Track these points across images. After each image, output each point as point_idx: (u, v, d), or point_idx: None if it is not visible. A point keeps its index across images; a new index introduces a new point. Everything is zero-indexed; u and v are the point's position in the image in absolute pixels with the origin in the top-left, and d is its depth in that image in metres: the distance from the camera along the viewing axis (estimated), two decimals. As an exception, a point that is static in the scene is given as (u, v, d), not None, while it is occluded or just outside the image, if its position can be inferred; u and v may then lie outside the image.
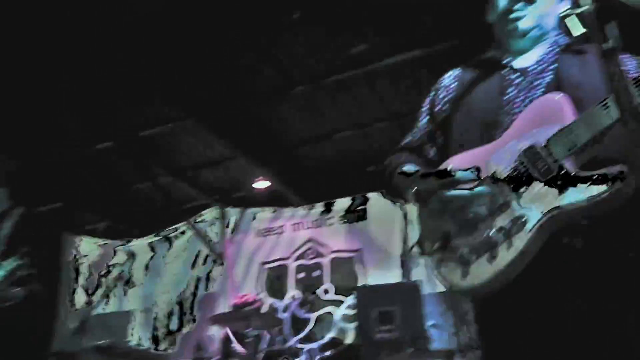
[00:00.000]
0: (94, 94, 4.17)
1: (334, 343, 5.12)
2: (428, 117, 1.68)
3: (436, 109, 1.65)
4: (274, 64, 4.07)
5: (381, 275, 5.22)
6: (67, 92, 4.10)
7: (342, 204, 5.73)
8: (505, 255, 1.25)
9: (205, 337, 5.59)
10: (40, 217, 2.58)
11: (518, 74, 1.48)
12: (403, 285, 4.80)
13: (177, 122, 4.65)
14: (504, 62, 1.53)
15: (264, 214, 6.10)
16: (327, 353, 4.93)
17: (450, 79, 1.67)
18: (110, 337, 5.22)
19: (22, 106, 4.15)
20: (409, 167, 1.56)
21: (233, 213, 6.23)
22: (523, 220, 1.24)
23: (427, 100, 1.71)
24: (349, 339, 5.10)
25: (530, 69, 1.47)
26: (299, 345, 5.25)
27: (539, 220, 1.22)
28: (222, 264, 6.02)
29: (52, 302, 2.51)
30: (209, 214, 6.27)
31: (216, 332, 5.33)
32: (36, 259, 2.20)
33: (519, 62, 1.51)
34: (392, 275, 5.15)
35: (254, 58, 3.99)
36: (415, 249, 4.59)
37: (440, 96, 1.65)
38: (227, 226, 6.20)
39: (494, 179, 1.32)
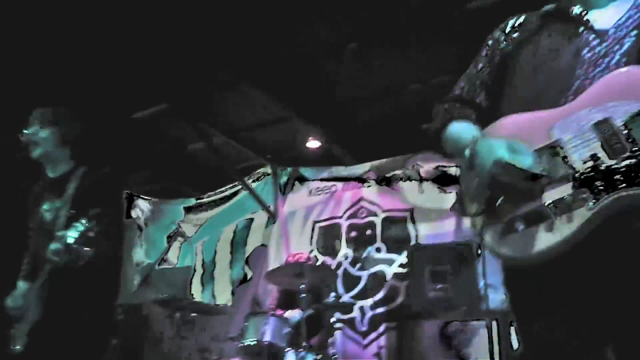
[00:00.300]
0: (150, 57, 4.24)
1: (386, 300, 5.19)
2: (484, 66, 1.58)
3: (495, 58, 1.55)
4: (325, 21, 4.00)
5: (434, 233, 5.19)
6: (126, 55, 4.20)
7: (394, 162, 5.66)
8: (564, 229, 1.18)
9: (261, 292, 5.78)
10: (103, 178, 2.68)
11: (594, 35, 1.34)
12: (456, 244, 4.75)
13: (230, 84, 4.68)
14: (579, 16, 1.39)
15: (317, 173, 6.14)
16: (379, 310, 5.00)
17: (512, 26, 1.55)
18: (172, 291, 5.51)
19: (81, 67, 4.28)
20: (463, 126, 1.48)
21: (286, 172, 6.31)
22: (584, 196, 1.17)
23: (485, 48, 1.61)
24: (401, 297, 5.14)
25: (610, 32, 1.33)
26: (351, 302, 5.35)
27: (604, 199, 1.15)
28: (275, 222, 6.15)
29: (117, 259, 2.66)
30: (262, 173, 6.37)
31: (272, 288, 5.50)
32: (104, 218, 2.30)
33: (596, 20, 1.37)
34: (446, 234, 5.12)
35: (305, 16, 3.92)
36: (456, 208, 4.50)
37: (501, 45, 1.55)
38: (280, 185, 6.29)
39: (554, 149, 1.24)
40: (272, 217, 6.16)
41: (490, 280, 4.64)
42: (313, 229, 5.95)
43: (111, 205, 2.56)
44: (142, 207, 6.82)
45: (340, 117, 5.40)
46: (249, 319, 4.02)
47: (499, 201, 1.30)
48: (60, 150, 2.65)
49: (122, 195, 2.85)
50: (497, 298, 4.54)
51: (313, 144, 5.73)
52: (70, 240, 2.17)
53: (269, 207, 6.19)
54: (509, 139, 1.29)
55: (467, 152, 1.36)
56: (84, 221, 2.21)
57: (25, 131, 2.60)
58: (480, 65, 1.60)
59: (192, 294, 6.11)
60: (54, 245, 2.28)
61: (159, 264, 6.65)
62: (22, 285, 2.60)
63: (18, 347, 2.41)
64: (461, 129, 1.47)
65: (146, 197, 6.83)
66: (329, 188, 6.00)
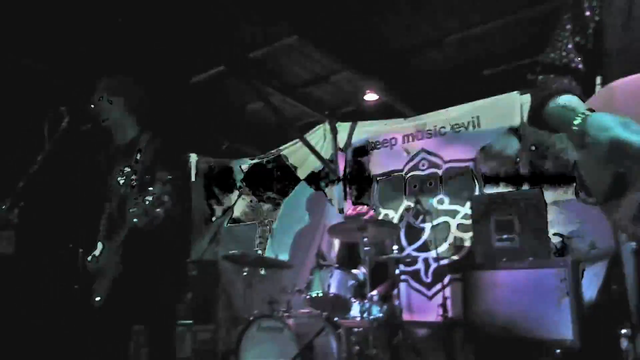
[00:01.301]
0: (204, 21, 4.29)
1: (450, 252, 5.16)
2: (574, 26, 1.45)
3: (584, 14, 1.43)
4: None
5: (499, 183, 5.05)
6: (180, 21, 4.26)
7: (454, 112, 5.50)
8: None
9: (325, 246, 5.91)
10: (169, 142, 2.80)
11: None
12: (524, 192, 4.61)
13: (283, 41, 4.66)
14: None
15: (375, 127, 6.07)
16: (443, 262, 4.99)
17: None
18: (240, 247, 5.73)
19: (139, 35, 4.40)
20: (565, 100, 1.38)
21: (344, 127, 6.28)
22: None
23: (571, 5, 1.47)
24: (465, 248, 5.10)
25: None
26: (415, 254, 5.37)
27: None
28: (334, 177, 6.19)
29: (188, 220, 2.81)
30: (321, 129, 6.38)
31: (334, 241, 5.60)
32: (174, 181, 2.41)
33: None
34: (511, 183, 4.97)
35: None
36: (581, 196, 4.30)
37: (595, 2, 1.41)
38: (339, 141, 6.28)
39: None
40: (333, 173, 6.20)
41: (560, 229, 4.52)
42: (374, 183, 5.95)
43: (179, 169, 2.71)
44: (205, 167, 7.06)
45: (398, 68, 5.27)
46: (314, 272, 4.13)
47: (624, 180, 1.21)
48: (127, 117, 2.79)
49: (188, 159, 2.95)
50: (568, 247, 4.43)
51: (371, 97, 5.66)
52: (147, 204, 2.30)
53: (329, 162, 6.22)
54: (620, 117, 1.18)
55: (575, 130, 1.27)
56: (158, 185, 2.34)
57: (94, 101, 2.74)
58: (569, 25, 1.47)
59: (259, 250, 6.33)
60: (132, 210, 2.39)
61: (227, 222, 6.92)
62: (101, 245, 2.78)
63: (98, 299, 2.62)
64: (564, 105, 1.37)
65: (210, 158, 7.04)
66: (389, 141, 5.94)
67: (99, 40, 4.40)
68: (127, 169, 2.68)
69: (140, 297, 2.56)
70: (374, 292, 4.01)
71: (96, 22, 4.18)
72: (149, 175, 2.54)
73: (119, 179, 2.71)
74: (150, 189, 2.34)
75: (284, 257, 5.96)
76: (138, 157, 2.66)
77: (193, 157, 6.76)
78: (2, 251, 4.32)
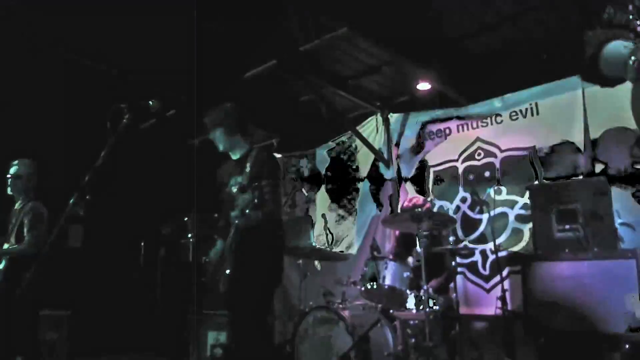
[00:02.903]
0: (256, 18, 4.36)
1: (509, 243, 5.01)
2: None
3: None
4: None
5: (560, 171, 4.85)
6: (232, 16, 4.34)
7: (511, 99, 5.32)
8: None
9: (379, 238, 5.88)
10: (266, 155, 3.33)
11: None
12: (588, 181, 4.40)
13: (333, 33, 4.65)
14: None
15: (429, 117, 5.96)
16: (501, 254, 4.84)
17: None
18: (296, 239, 5.80)
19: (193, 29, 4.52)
20: (620, 42, 1.38)
21: (397, 118, 6.21)
22: None
23: None
24: (524, 239, 4.93)
25: None
26: (471, 246, 5.24)
27: None
28: (389, 169, 6.13)
29: (279, 219, 3.37)
30: (373, 121, 6.33)
31: (390, 233, 5.56)
32: (268, 188, 2.97)
33: None
34: (573, 171, 4.76)
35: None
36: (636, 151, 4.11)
37: None
38: (392, 132, 6.22)
39: None
40: (386, 164, 6.15)
41: (627, 219, 4.29)
42: (428, 174, 5.86)
43: (278, 177, 3.28)
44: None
45: (452, 55, 5.14)
46: (368, 264, 4.12)
47: None
48: (233, 139, 3.33)
49: (279, 167, 3.43)
50: (635, 237, 4.21)
51: (423, 86, 5.56)
52: (244, 207, 2.86)
53: (383, 154, 6.18)
54: None
55: (631, 61, 1.28)
56: (257, 191, 2.83)
57: (208, 135, 3.34)
58: None
59: (314, 242, 6.38)
60: (233, 213, 3.00)
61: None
62: (219, 242, 3.34)
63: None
64: (619, 45, 1.38)
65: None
66: (443, 131, 5.82)
67: (156, 37, 4.55)
68: (238, 179, 3.19)
69: (246, 285, 3.04)
70: (430, 285, 3.95)
71: (150, 20, 4.32)
72: (252, 183, 2.99)
73: (232, 187, 3.22)
74: (245, 195, 2.86)
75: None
76: (247, 168, 3.17)
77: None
78: (72, 244, 4.58)
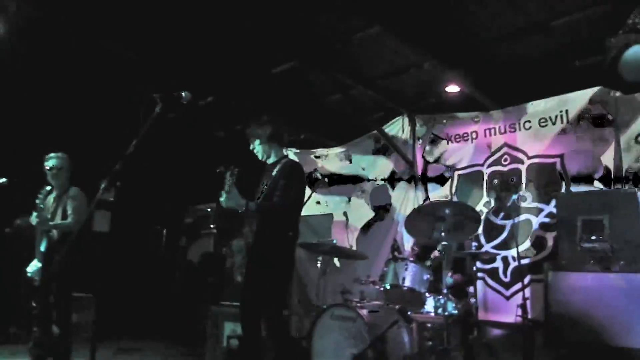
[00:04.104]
0: (280, 17, 4.38)
1: (532, 251, 4.94)
2: None
3: None
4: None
5: (587, 181, 4.77)
6: (263, 13, 4.37)
7: (540, 105, 5.24)
8: None
9: (400, 238, 5.86)
10: (293, 163, 3.64)
11: None
12: (615, 192, 4.32)
13: (363, 32, 4.64)
14: None
15: (455, 119, 5.91)
16: (523, 261, 4.78)
17: None
18: (316, 236, 5.81)
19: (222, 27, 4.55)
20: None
21: (424, 119, 6.17)
22: None
23: None
24: (548, 248, 4.86)
25: None
26: (493, 252, 5.19)
27: None
28: (412, 170, 6.10)
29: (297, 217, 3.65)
30: (399, 121, 6.30)
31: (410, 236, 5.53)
32: (292, 191, 3.39)
33: None
34: (601, 182, 4.68)
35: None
36: None
37: None
38: (418, 133, 6.18)
39: None
40: (410, 165, 6.12)
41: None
42: (453, 177, 5.81)
43: (303, 181, 3.64)
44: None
45: (481, 59, 5.09)
46: (389, 264, 4.12)
47: None
48: (269, 147, 3.62)
49: (304, 173, 3.67)
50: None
51: (452, 88, 5.51)
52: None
53: (407, 155, 6.15)
54: None
55: None
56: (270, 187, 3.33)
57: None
58: None
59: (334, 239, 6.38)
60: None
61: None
62: (236, 242, 3.71)
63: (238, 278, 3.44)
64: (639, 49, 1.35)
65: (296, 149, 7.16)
66: (469, 134, 5.76)
67: (186, 31, 4.61)
68: (268, 182, 3.51)
69: (264, 277, 3.30)
70: (450, 279, 3.91)
71: (181, 14, 4.38)
72: (274, 183, 3.40)
73: (263, 187, 3.55)
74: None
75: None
76: (274, 173, 3.47)
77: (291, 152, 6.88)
78: (99, 229, 4.68)
